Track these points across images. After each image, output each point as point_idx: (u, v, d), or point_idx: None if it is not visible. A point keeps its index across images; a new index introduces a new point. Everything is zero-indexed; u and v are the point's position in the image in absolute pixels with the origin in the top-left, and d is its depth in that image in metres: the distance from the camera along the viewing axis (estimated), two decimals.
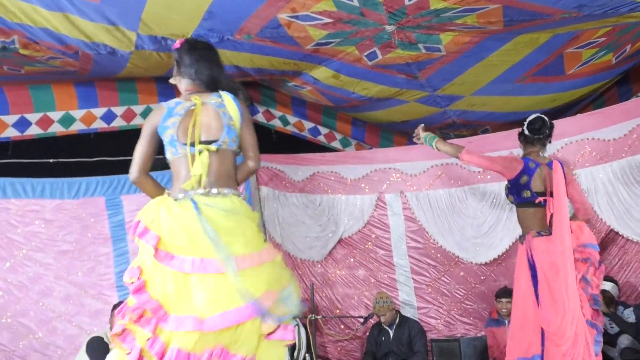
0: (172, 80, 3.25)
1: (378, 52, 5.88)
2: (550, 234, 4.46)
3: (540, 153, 4.67)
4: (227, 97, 3.11)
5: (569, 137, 6.23)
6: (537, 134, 4.62)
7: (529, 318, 4.45)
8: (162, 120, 3.05)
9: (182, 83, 3.22)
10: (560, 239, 4.36)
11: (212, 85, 3.17)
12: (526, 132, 4.66)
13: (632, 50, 6.01)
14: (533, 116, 4.67)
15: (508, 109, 6.96)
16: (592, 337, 4.37)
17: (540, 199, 4.53)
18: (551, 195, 4.50)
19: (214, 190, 2.97)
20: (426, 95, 6.68)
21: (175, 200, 2.98)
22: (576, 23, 5.33)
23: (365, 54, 5.92)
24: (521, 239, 4.66)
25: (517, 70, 6.22)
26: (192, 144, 2.98)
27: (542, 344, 4.37)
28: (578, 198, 4.71)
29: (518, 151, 6.25)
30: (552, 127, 4.68)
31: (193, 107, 3.06)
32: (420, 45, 5.71)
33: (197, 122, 3.01)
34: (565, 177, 4.50)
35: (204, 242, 2.84)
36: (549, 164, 4.58)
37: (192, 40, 3.31)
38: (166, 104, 3.10)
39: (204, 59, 3.18)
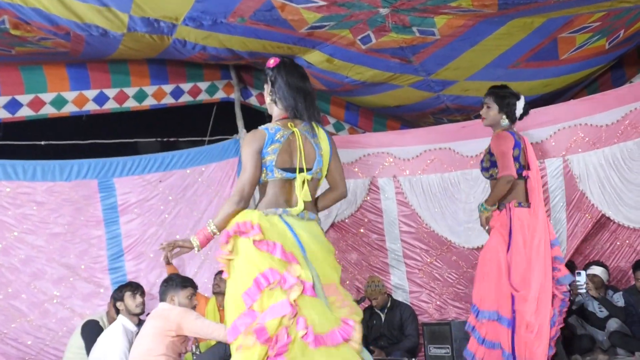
0: (267, 105, 3.34)
1: (372, 35, 5.85)
2: (529, 206, 4.53)
3: (515, 128, 4.76)
4: (319, 129, 3.29)
5: (562, 122, 6.24)
6: (521, 118, 4.73)
7: (501, 279, 4.47)
8: (264, 146, 3.14)
9: (276, 107, 3.30)
10: (538, 211, 4.46)
11: (314, 118, 3.30)
12: (520, 111, 4.68)
13: (625, 36, 6.00)
14: (522, 101, 4.69)
15: None
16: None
17: (526, 172, 4.60)
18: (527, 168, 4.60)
19: (303, 215, 3.13)
20: (420, 79, 6.67)
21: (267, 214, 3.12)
22: (570, 7, 5.33)
23: (359, 37, 5.90)
24: (500, 206, 4.61)
25: (511, 55, 6.21)
26: (293, 170, 3.14)
27: (513, 312, 4.40)
28: None
29: None
30: None
31: (290, 135, 3.18)
32: (415, 29, 5.69)
33: (301, 151, 3.16)
34: None
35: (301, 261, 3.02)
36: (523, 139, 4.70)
37: (288, 63, 3.34)
38: (266, 130, 3.19)
39: (302, 91, 3.25)
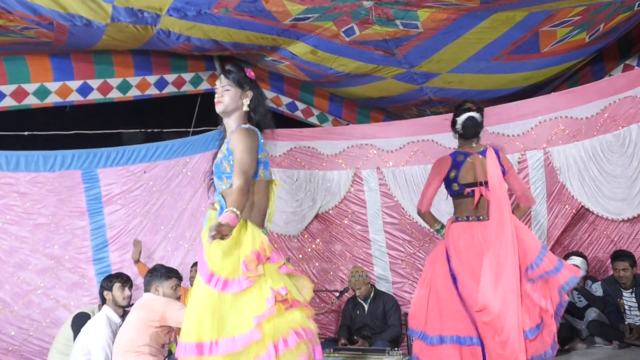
0: (233, 104, 3.35)
1: (356, 28, 5.87)
2: (478, 219, 4.50)
3: (474, 144, 4.65)
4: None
5: (543, 115, 6.33)
6: (469, 134, 4.64)
7: (453, 300, 4.43)
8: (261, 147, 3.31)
9: (240, 112, 3.35)
10: (497, 224, 4.28)
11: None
12: (460, 131, 4.66)
13: (605, 29, 6.07)
14: (464, 116, 4.61)
15: (484, 87, 7.01)
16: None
17: (468, 190, 4.55)
18: (486, 183, 4.47)
19: None
20: (403, 72, 6.70)
21: None
22: (552, 2, 5.38)
23: (343, 29, 5.91)
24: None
25: (493, 49, 6.25)
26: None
27: (476, 327, 4.33)
28: (518, 186, 4.71)
29: (493, 129, 6.36)
30: (482, 121, 4.67)
31: None
32: (398, 22, 5.72)
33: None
34: (502, 166, 4.46)
35: None
36: (482, 152, 4.54)
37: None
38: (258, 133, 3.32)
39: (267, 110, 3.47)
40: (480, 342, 4.31)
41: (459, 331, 4.37)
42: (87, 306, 5.86)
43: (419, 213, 4.83)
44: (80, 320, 5.34)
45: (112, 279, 5.23)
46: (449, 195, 4.78)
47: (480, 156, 4.55)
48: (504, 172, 4.46)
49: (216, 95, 3.33)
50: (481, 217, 4.51)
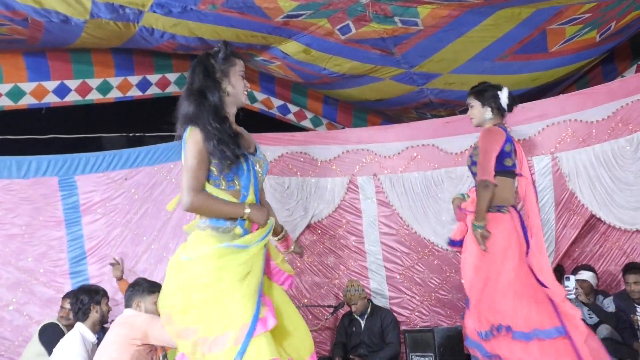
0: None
1: (351, 25, 5.84)
2: (515, 208, 4.46)
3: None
4: None
5: (551, 118, 6.29)
6: (511, 109, 4.61)
7: (536, 290, 4.31)
8: None
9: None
10: (534, 216, 4.47)
11: None
12: (506, 104, 4.55)
13: (617, 28, 6.06)
14: (506, 90, 4.58)
15: None
16: None
17: (519, 170, 4.53)
18: None
19: None
20: (402, 72, 6.68)
21: None
22: None
23: (338, 27, 5.88)
24: (502, 209, 4.41)
25: (498, 48, 6.24)
26: None
27: (559, 316, 4.23)
28: None
29: None
30: None
31: None
32: (396, 19, 5.69)
33: None
34: None
35: None
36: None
37: None
38: None
39: None
40: (566, 331, 4.21)
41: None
42: (49, 318, 5.77)
43: (489, 186, 4.31)
44: (48, 332, 5.24)
45: (98, 293, 5.10)
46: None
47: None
48: None
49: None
50: (517, 207, 4.49)
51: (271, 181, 6.95)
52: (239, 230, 3.06)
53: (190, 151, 3.06)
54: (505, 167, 4.43)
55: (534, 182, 5.39)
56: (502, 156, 4.41)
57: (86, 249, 6.44)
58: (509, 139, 4.46)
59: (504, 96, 4.55)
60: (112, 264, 6.14)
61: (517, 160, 4.52)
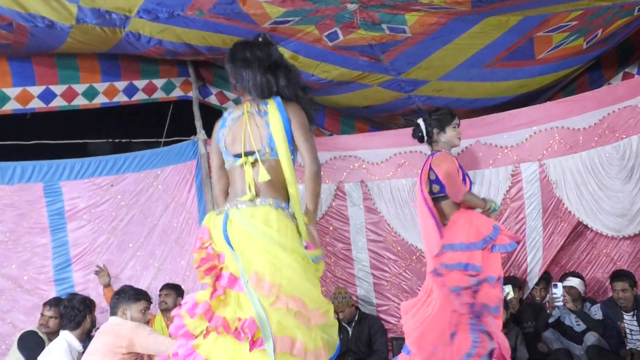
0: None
1: (339, 32, 5.85)
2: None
3: None
4: (271, 102, 3.16)
5: (538, 125, 6.34)
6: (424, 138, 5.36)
7: None
8: (218, 132, 3.24)
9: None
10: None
11: (264, 92, 3.21)
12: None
13: (603, 35, 6.10)
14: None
15: (475, 96, 7.02)
16: None
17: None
18: None
19: (253, 202, 3.08)
20: (390, 79, 6.69)
21: (218, 214, 3.14)
22: (547, 5, 5.39)
23: (326, 34, 5.89)
24: None
25: (486, 55, 6.26)
26: (239, 155, 3.12)
27: None
28: None
29: (485, 139, 6.37)
30: None
31: (242, 117, 3.17)
32: (384, 26, 5.71)
33: (245, 132, 3.13)
34: None
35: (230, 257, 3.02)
36: None
37: (234, 46, 3.44)
38: (225, 113, 3.26)
39: (245, 65, 3.31)
40: None
41: None
42: (30, 325, 5.74)
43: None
44: (26, 340, 5.21)
45: (92, 303, 5.11)
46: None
47: None
48: None
49: None
50: None
51: None
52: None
53: (305, 125, 3.22)
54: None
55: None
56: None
57: (71, 256, 6.41)
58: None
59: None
60: (96, 272, 6.12)
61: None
